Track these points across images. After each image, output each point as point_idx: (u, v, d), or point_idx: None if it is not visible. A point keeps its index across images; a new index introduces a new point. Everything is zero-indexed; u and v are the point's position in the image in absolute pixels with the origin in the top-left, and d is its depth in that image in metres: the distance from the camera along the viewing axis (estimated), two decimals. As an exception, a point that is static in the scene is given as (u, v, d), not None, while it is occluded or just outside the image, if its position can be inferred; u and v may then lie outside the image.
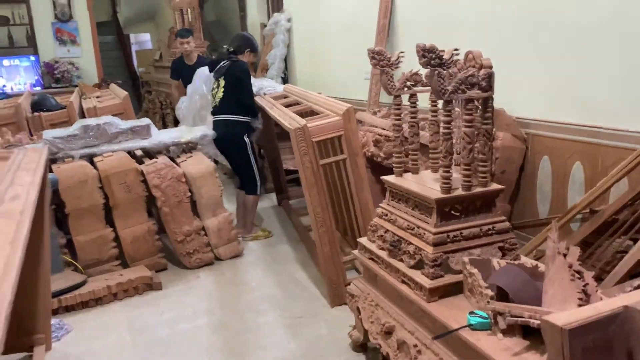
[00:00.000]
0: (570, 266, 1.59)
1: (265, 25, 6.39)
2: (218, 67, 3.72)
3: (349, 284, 2.80)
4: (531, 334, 1.55)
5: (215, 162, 3.88)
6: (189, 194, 3.29)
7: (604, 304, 1.38)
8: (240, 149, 3.66)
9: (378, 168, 3.41)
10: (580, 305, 1.48)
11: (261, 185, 3.80)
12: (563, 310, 1.41)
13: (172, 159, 3.40)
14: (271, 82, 4.79)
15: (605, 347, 1.31)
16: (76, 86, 7.46)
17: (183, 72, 5.19)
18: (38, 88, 7.65)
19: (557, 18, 2.78)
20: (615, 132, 2.59)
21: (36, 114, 4.17)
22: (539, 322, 1.46)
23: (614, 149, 2.62)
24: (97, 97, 5.11)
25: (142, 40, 13.21)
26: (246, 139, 3.67)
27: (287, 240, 3.80)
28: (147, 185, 3.20)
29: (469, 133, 1.84)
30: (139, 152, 3.50)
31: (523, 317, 1.52)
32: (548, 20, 2.84)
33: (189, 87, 4.72)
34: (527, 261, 1.85)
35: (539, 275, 1.73)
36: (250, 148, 3.67)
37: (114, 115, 3.82)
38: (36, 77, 7.85)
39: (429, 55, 1.72)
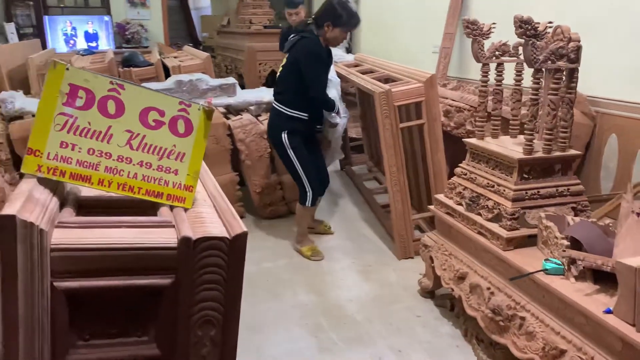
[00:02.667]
0: (643, 223, 1.77)
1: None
2: (289, 39, 3.04)
3: (416, 240, 3.04)
4: (600, 281, 1.75)
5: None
6: (269, 150, 3.56)
7: (674, 253, 1.57)
8: (278, 149, 3.07)
9: (446, 138, 3.59)
10: (650, 257, 1.67)
11: (314, 196, 3.05)
12: (637, 256, 1.60)
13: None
14: (338, 51, 4.96)
15: (674, 288, 1.50)
16: (146, 47, 7.83)
17: None
18: (110, 48, 8.05)
19: (639, -1, 2.86)
20: (688, 114, 2.69)
21: (127, 69, 4.51)
22: (611, 266, 1.66)
23: (684, 129, 2.72)
24: (175, 57, 5.42)
25: (200, 6, 13.52)
26: (285, 137, 2.97)
27: (352, 202, 4.04)
28: (233, 139, 3.49)
29: (555, 100, 2.01)
30: (221, 110, 3.77)
31: (597, 263, 1.71)
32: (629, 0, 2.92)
33: None
34: (599, 221, 2.03)
35: (609, 233, 1.91)
36: (291, 151, 2.98)
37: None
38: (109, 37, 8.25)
39: (526, 26, 1.89)
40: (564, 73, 2.04)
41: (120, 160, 0.98)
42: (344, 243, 3.28)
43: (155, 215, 0.98)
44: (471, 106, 3.36)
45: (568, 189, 2.12)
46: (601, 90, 3.18)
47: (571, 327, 1.71)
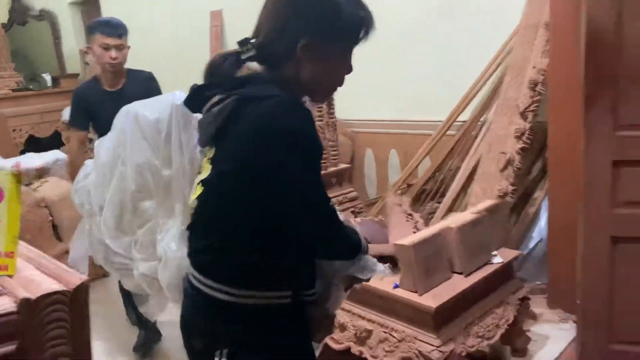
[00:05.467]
0: (404, 211, 2.21)
1: (87, 52, 6.31)
2: (206, 109, 1.14)
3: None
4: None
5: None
6: (50, 218, 3.30)
7: (429, 230, 2.02)
8: None
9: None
10: (415, 237, 2.10)
11: None
12: (406, 237, 2.00)
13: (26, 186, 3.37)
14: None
15: (436, 255, 1.93)
16: None
17: (100, 109, 2.46)
18: None
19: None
20: (417, 123, 3.40)
21: None
22: (389, 250, 2.03)
23: (417, 136, 3.42)
24: None
25: None
26: None
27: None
28: (4, 214, 3.14)
29: (322, 125, 2.38)
30: (-19, 185, 3.37)
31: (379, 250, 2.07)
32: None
33: (107, 142, 1.79)
34: (375, 219, 2.44)
35: (385, 226, 2.33)
36: None
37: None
38: None
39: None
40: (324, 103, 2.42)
41: None
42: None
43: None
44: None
45: (346, 196, 2.51)
46: (353, 113, 3.78)
47: (372, 309, 2.04)
